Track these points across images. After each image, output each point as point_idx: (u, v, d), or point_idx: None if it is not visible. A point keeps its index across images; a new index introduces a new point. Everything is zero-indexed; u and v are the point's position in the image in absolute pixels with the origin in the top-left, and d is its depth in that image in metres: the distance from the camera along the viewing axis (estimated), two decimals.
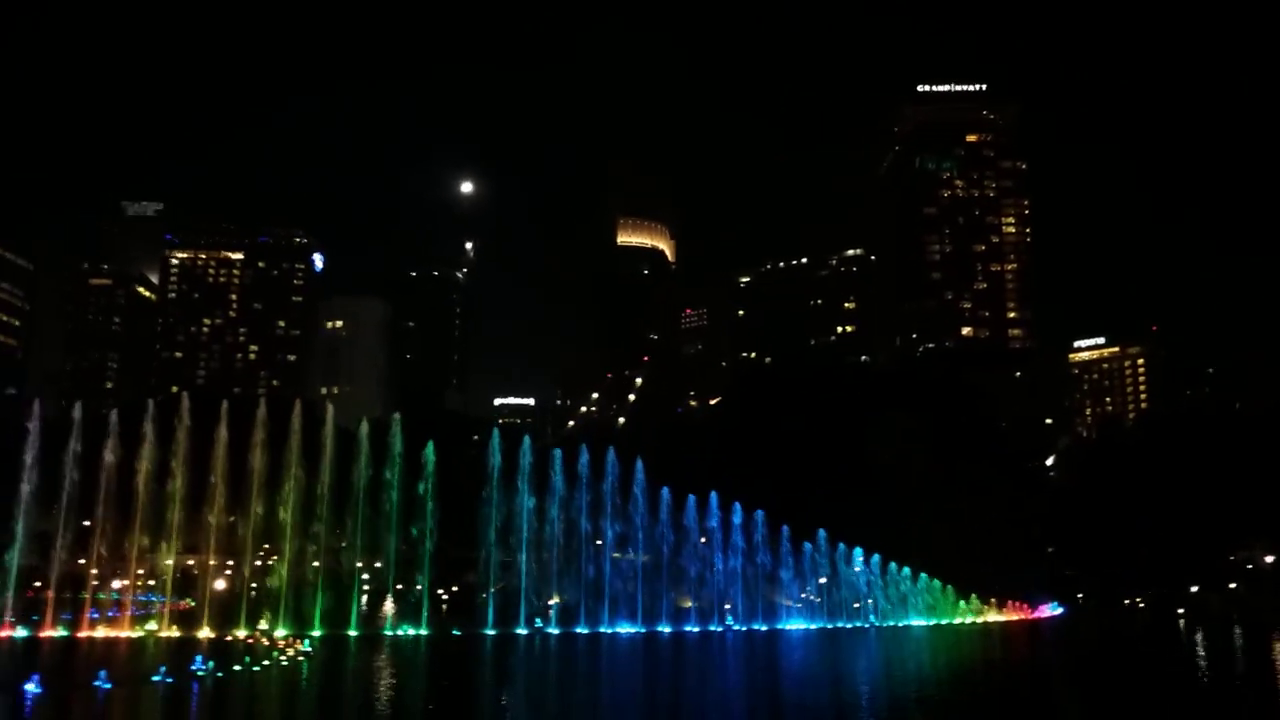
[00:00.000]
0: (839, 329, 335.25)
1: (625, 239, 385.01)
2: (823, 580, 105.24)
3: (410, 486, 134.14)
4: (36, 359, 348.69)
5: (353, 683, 50.82)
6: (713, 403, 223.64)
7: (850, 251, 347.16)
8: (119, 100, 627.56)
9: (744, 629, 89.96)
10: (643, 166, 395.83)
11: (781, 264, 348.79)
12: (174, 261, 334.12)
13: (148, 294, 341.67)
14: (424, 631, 72.32)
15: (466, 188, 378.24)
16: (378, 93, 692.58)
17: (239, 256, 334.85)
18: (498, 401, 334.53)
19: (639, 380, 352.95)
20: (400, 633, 72.95)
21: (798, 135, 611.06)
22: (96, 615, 71.55)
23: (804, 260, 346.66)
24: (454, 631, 75.09)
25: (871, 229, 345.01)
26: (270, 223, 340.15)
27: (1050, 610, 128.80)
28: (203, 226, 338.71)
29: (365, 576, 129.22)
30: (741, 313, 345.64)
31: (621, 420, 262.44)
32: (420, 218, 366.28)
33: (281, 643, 60.11)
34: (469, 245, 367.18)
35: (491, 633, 73.72)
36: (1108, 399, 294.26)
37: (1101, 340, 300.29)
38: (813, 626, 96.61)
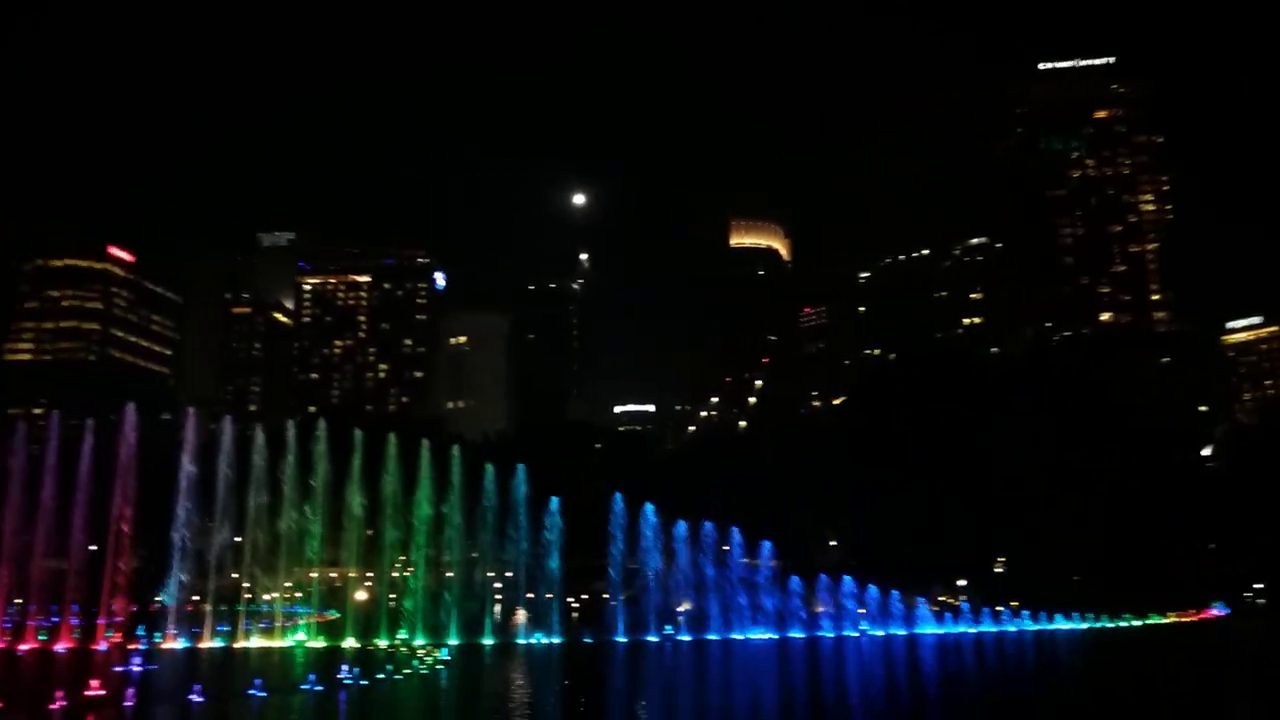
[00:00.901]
0: (966, 321, 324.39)
1: (738, 240, 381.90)
2: (961, 582, 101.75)
3: (536, 497, 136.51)
4: (187, 385, 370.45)
5: (492, 689, 51.60)
6: (836, 403, 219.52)
7: (974, 240, 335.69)
8: (250, 138, 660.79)
9: (881, 634, 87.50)
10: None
11: (901, 257, 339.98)
12: (306, 287, 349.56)
13: (284, 319, 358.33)
14: (556, 640, 72.95)
15: (579, 199, 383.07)
16: (486, 111, 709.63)
17: (366, 279, 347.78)
18: (618, 409, 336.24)
19: (759, 382, 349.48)
20: (533, 641, 73.79)
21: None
22: (249, 627, 74.88)
23: (925, 252, 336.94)
24: (585, 639, 75.48)
25: (994, 216, 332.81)
26: (393, 244, 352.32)
27: (1217, 610, 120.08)
28: (331, 253, 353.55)
29: (497, 586, 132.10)
30: (863, 309, 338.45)
31: (743, 424, 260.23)
32: (534, 231, 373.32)
33: (421, 651, 61.59)
34: (583, 255, 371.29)
35: (623, 640, 73.77)
36: (1268, 382, 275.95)
37: (1258, 320, 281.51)
38: (956, 630, 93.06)
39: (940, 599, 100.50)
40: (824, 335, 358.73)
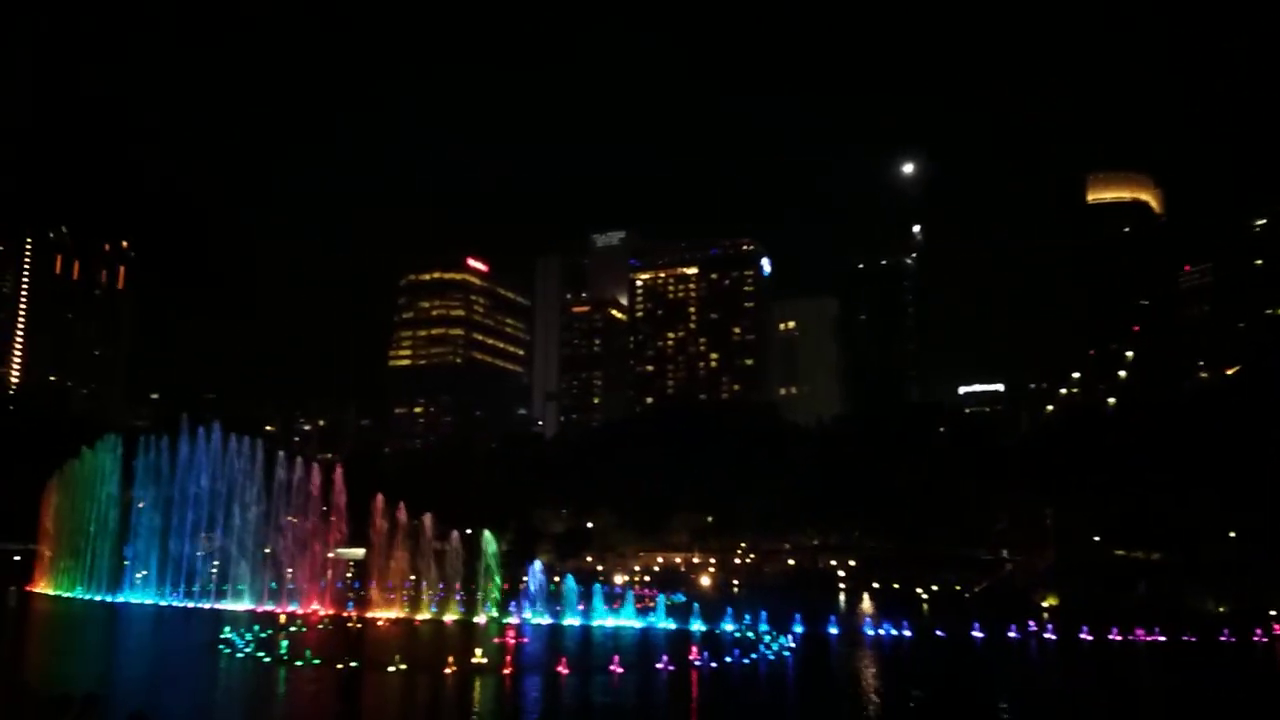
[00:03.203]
0: None
1: (1097, 195, 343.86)
2: None
3: (874, 483, 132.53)
4: (538, 381, 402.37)
5: (836, 678, 50.18)
6: (1230, 372, 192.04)
7: None
8: (577, 146, 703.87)
9: None
10: None
11: None
12: (638, 283, 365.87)
13: (620, 315, 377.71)
14: (905, 634, 69.57)
15: (908, 168, 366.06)
16: (803, 94, 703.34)
17: (693, 271, 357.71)
18: (963, 390, 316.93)
19: (1129, 354, 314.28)
20: (880, 632, 70.92)
21: None
22: (605, 607, 78.61)
23: None
24: (937, 632, 71.32)
25: None
26: (719, 235, 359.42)
27: None
28: (660, 248, 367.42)
29: (840, 574, 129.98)
30: (1260, 262, 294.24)
31: (1111, 400, 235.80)
32: (861, 208, 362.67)
33: (767, 638, 61.26)
34: (916, 228, 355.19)
35: (979, 635, 68.87)
36: None
37: None
38: None
39: None
40: (1209, 295, 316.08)
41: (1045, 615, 79.63)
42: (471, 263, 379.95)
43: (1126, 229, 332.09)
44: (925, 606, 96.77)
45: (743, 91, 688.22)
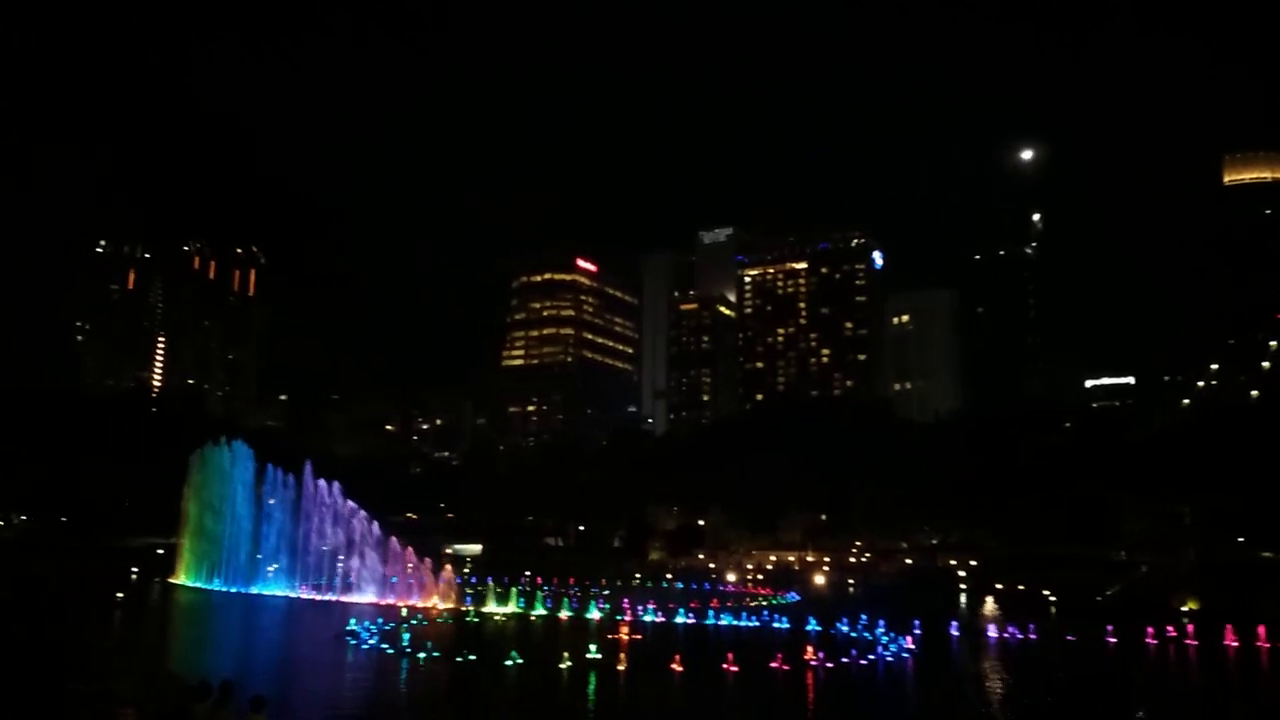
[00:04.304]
0: None
1: (1235, 176, 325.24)
2: None
3: (989, 480, 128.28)
4: (647, 379, 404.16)
5: (962, 681, 48.80)
6: None
7: None
8: (686, 143, 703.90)
9: None
10: None
11: None
12: (747, 279, 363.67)
13: (728, 312, 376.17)
14: (1032, 637, 67.04)
15: (1026, 154, 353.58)
16: (919, 79, 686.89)
17: (803, 266, 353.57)
18: (1090, 383, 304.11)
19: (1274, 342, 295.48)
20: (1005, 634, 68.51)
21: None
22: (717, 606, 78.34)
23: None
24: (1066, 636, 68.49)
25: None
26: (828, 229, 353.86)
27: None
28: (768, 243, 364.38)
29: (961, 574, 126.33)
30: None
31: (1254, 393, 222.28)
32: (976, 197, 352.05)
33: (884, 638, 59.92)
34: (1035, 216, 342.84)
35: (1112, 640, 65.82)
36: None
37: None
38: None
39: None
40: None
41: (1185, 619, 75.58)
42: (581, 263, 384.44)
43: (1268, 211, 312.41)
44: (1053, 609, 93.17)
45: (853, 77, 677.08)
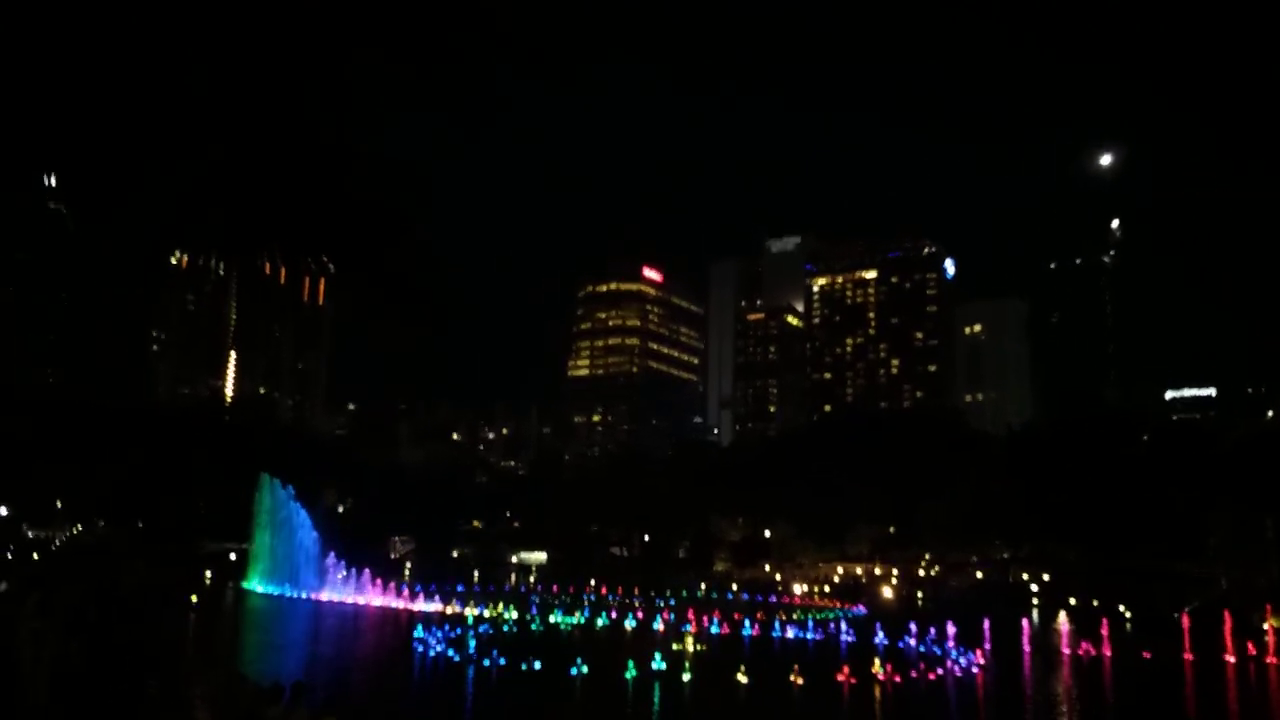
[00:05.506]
0: None
1: None
2: None
3: (1064, 493, 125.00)
4: (713, 390, 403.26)
5: (1030, 698, 47.96)
6: None
7: None
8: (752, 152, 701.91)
9: None
10: None
11: None
12: (815, 288, 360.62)
13: (796, 322, 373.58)
14: (1106, 654, 65.17)
15: (1105, 160, 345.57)
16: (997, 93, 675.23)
17: (872, 275, 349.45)
18: (1170, 395, 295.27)
19: None
20: (1079, 651, 66.72)
21: None
22: (783, 618, 77.63)
23: None
24: (1142, 654, 66.43)
25: None
26: (899, 237, 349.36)
27: None
28: (837, 252, 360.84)
29: (1033, 589, 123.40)
30: None
31: None
32: (1052, 204, 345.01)
33: (953, 653, 58.87)
34: (1114, 223, 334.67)
35: (1189, 657, 63.67)
36: None
37: None
38: None
39: None
40: None
41: (1267, 637, 72.75)
42: (647, 273, 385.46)
43: None
44: (1128, 625, 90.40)
45: (925, 82, 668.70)
